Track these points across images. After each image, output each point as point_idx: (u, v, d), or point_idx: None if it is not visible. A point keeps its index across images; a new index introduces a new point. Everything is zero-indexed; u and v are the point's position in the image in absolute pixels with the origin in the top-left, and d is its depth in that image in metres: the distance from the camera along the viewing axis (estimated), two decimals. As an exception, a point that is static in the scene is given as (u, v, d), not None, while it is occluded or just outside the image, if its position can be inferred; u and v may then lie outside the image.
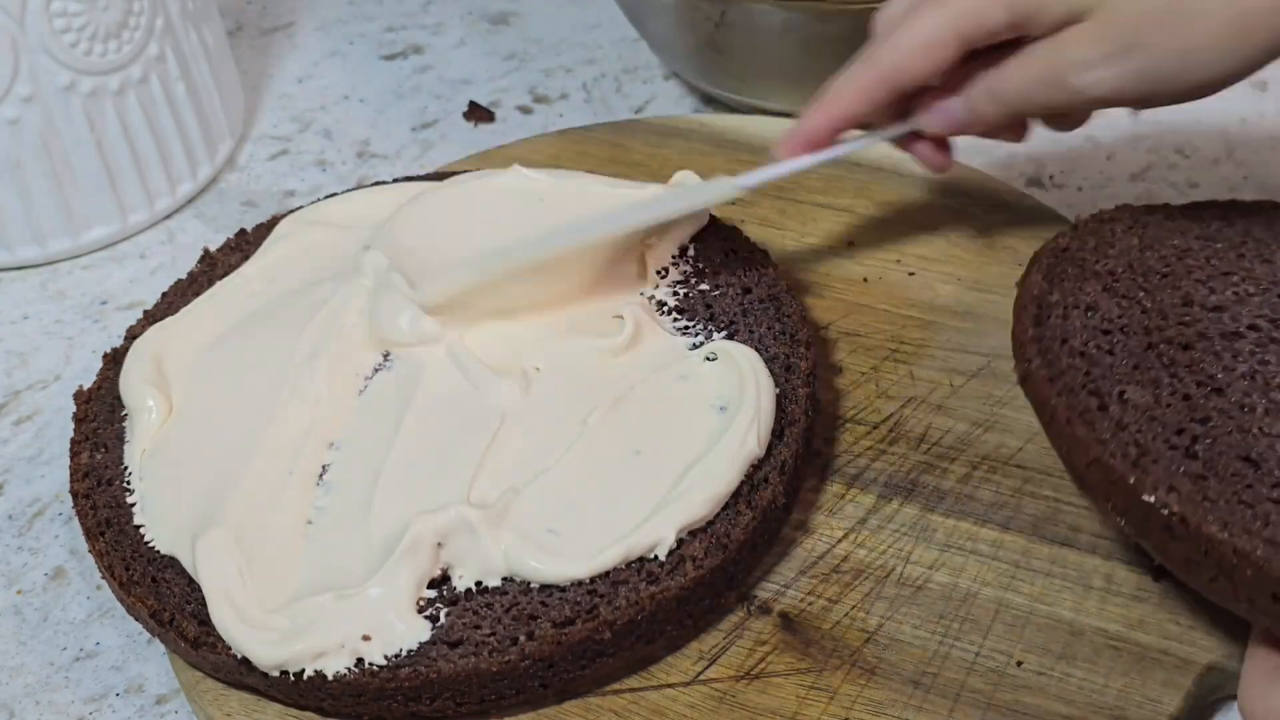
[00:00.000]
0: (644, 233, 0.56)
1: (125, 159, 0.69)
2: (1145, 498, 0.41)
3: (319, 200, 0.63)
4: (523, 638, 0.44)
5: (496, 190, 0.58)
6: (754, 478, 0.48)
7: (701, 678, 0.46)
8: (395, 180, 0.64)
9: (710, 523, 0.47)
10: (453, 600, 0.45)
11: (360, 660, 0.44)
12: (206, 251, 0.61)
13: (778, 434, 0.49)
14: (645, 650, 0.46)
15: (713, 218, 0.59)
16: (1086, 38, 0.48)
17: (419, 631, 0.44)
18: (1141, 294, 0.48)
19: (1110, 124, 0.72)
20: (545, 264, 0.53)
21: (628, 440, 0.49)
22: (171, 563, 0.48)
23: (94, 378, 0.56)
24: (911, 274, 0.61)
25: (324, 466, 0.49)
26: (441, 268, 0.53)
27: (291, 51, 0.86)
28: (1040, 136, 0.65)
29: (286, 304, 0.55)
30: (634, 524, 0.46)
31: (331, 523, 0.47)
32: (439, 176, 0.63)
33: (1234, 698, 0.44)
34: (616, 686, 0.46)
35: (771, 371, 0.51)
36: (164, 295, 0.59)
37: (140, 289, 0.68)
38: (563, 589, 0.45)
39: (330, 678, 0.43)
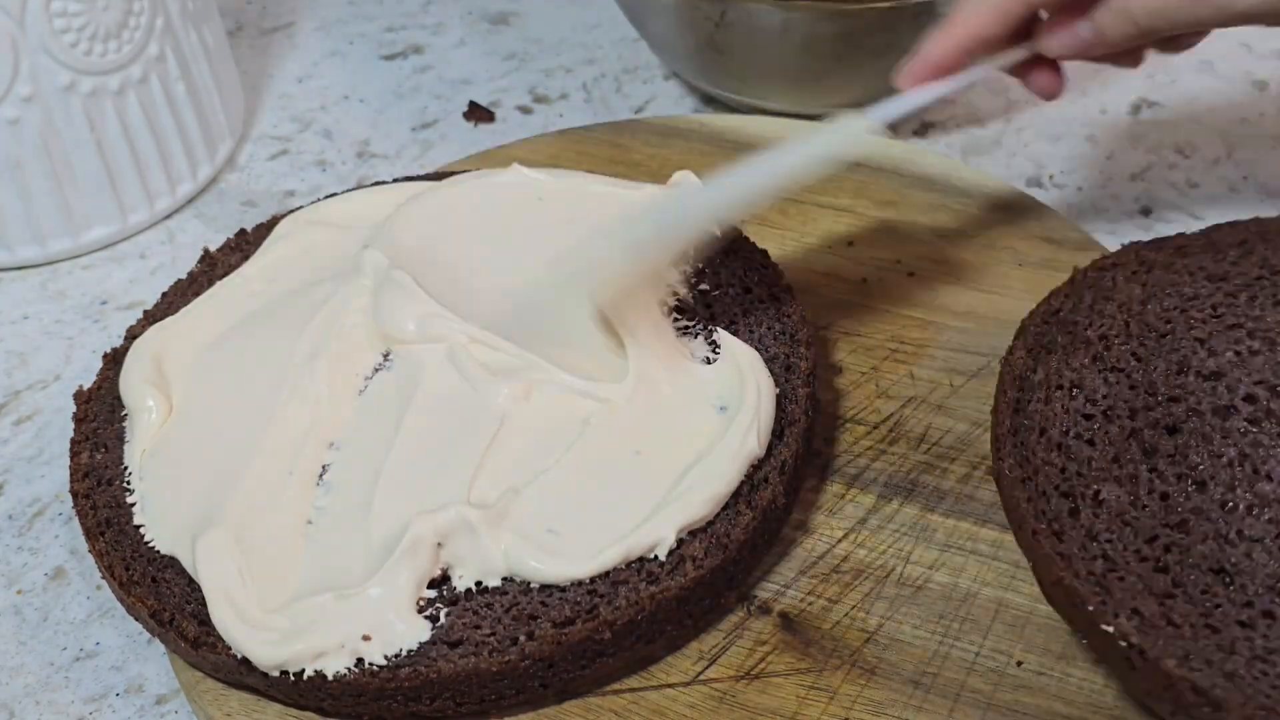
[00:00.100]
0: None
1: (125, 159, 0.69)
2: (1104, 627, 0.40)
3: (319, 200, 0.63)
4: (523, 638, 0.44)
5: (496, 189, 0.58)
6: (754, 478, 0.48)
7: (701, 678, 0.46)
8: (395, 180, 0.64)
9: (710, 523, 0.47)
10: (453, 600, 0.45)
11: (360, 660, 0.44)
12: (206, 251, 0.61)
13: (778, 434, 0.49)
14: (645, 650, 0.46)
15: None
16: None
17: (419, 631, 0.44)
18: (1134, 363, 0.46)
19: (1110, 124, 0.73)
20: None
21: (628, 440, 0.49)
22: (171, 563, 0.48)
23: (94, 378, 0.56)
24: (911, 274, 0.61)
25: (324, 466, 0.49)
26: (583, 253, 0.51)
27: (291, 51, 0.86)
28: (1040, 136, 0.66)
29: (286, 304, 0.55)
30: (634, 524, 0.46)
31: (331, 523, 0.47)
32: (439, 176, 0.63)
33: None
34: (616, 686, 0.46)
35: (771, 371, 0.51)
36: (164, 295, 0.59)
37: (140, 289, 0.68)
38: (563, 589, 0.45)
39: (330, 678, 0.43)
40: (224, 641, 0.44)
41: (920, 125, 0.74)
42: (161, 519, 0.49)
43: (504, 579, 0.45)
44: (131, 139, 0.68)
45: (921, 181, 0.65)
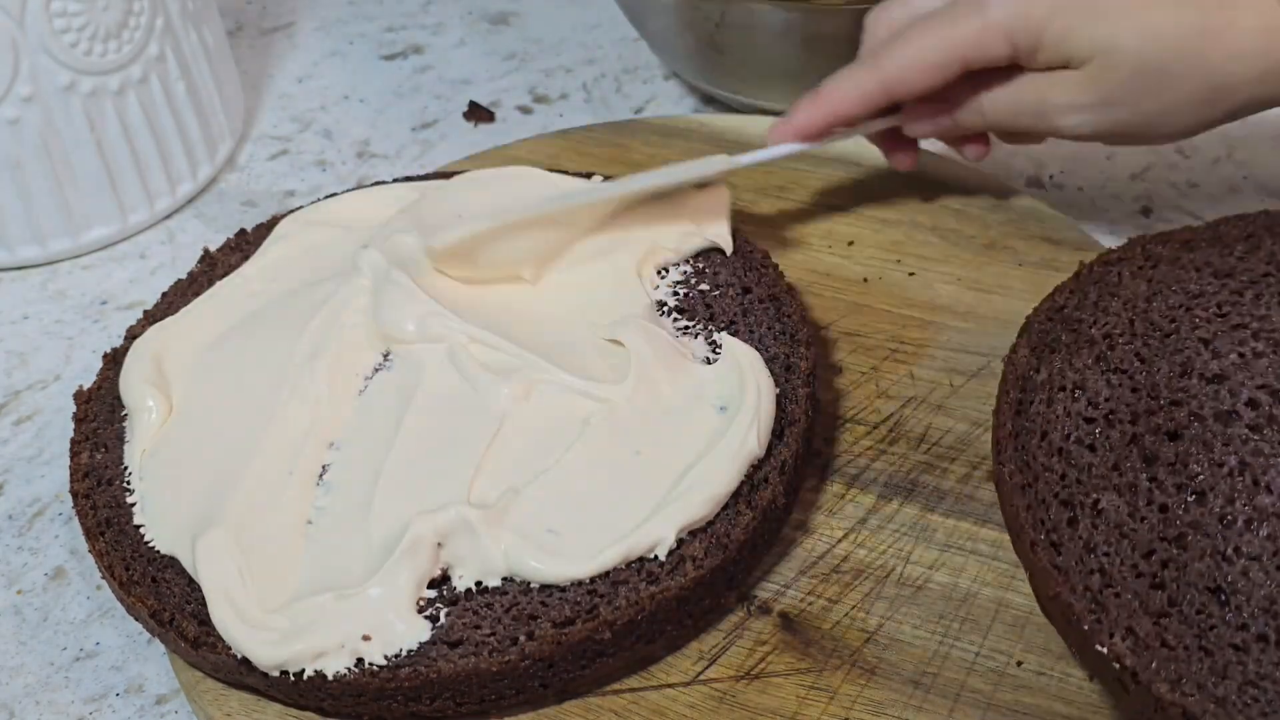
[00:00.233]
0: (641, 206, 0.58)
1: (125, 159, 0.69)
2: (1098, 648, 0.40)
3: (319, 200, 0.63)
4: (523, 638, 0.44)
5: (528, 182, 0.59)
6: (754, 478, 0.48)
7: (701, 678, 0.46)
8: (395, 180, 0.64)
9: (710, 523, 0.46)
10: (453, 600, 0.45)
11: (360, 660, 0.43)
12: (206, 251, 0.61)
13: (778, 434, 0.49)
14: (645, 650, 0.46)
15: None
16: (1076, 85, 0.53)
17: (419, 631, 0.44)
18: (1137, 364, 0.46)
19: (1110, 124, 0.72)
20: (548, 220, 0.55)
21: (628, 440, 0.49)
22: (171, 563, 0.48)
23: (94, 378, 0.56)
24: (911, 274, 0.61)
25: (324, 466, 0.49)
26: (452, 221, 0.54)
27: (291, 51, 0.86)
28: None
29: (286, 304, 0.55)
30: (634, 524, 0.46)
31: (331, 523, 0.47)
32: (439, 176, 0.63)
33: None
34: (616, 686, 0.46)
35: (771, 371, 0.51)
36: (164, 295, 0.59)
37: (140, 289, 0.68)
38: (563, 589, 0.45)
39: (330, 678, 0.43)
40: (224, 641, 0.44)
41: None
42: (161, 519, 0.49)
43: (504, 579, 0.45)
44: (131, 139, 0.68)
45: (921, 182, 0.65)
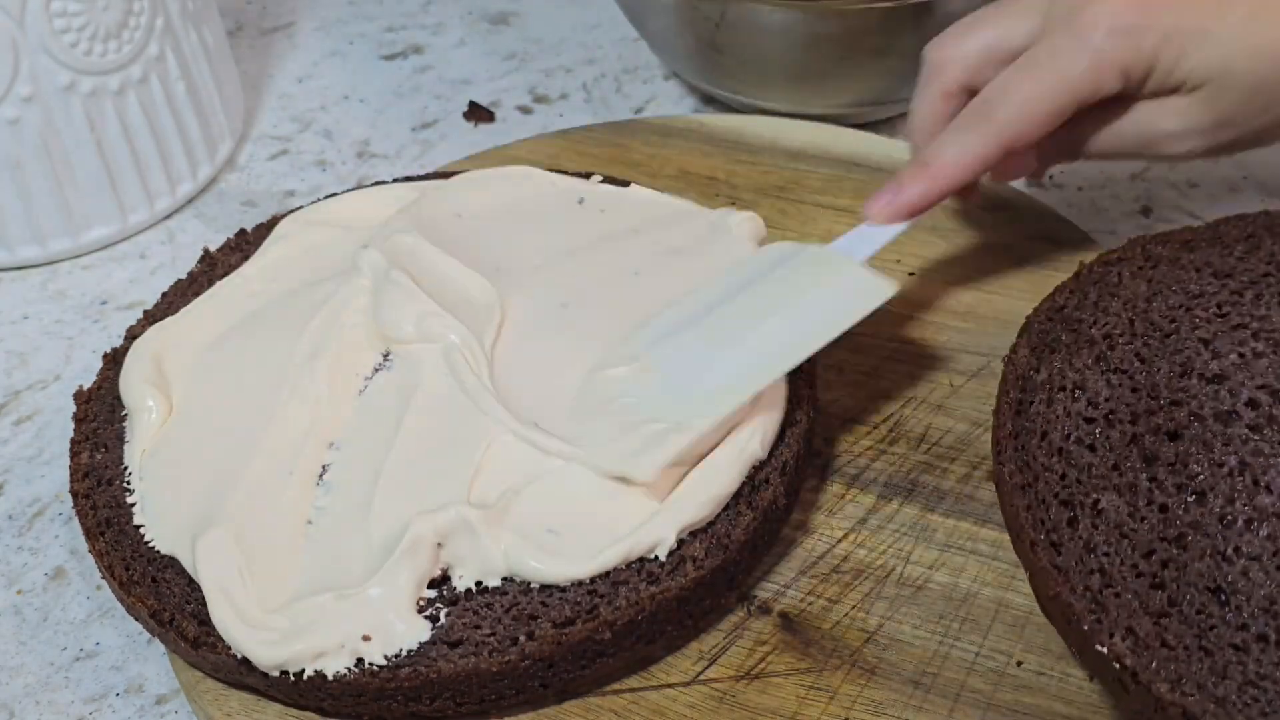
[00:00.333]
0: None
1: (125, 159, 0.69)
2: (1098, 648, 0.40)
3: (319, 200, 0.63)
4: (523, 638, 0.44)
5: (532, 186, 0.59)
6: (755, 478, 0.48)
7: (701, 678, 0.46)
8: (395, 180, 0.64)
9: (711, 523, 0.47)
10: (453, 600, 0.45)
11: (360, 660, 0.43)
12: (206, 251, 0.61)
13: (778, 435, 0.49)
14: (645, 650, 0.46)
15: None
16: (1190, 111, 0.52)
17: (419, 631, 0.44)
18: (1137, 364, 0.46)
19: (1110, 124, 0.72)
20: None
21: (628, 440, 0.48)
22: (171, 563, 0.48)
23: (94, 378, 0.56)
24: (911, 274, 0.61)
25: (324, 466, 0.49)
26: (635, 433, 0.48)
27: (291, 51, 0.86)
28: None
29: (286, 304, 0.55)
30: (634, 524, 0.46)
31: (331, 523, 0.47)
32: (439, 176, 0.63)
33: None
34: (616, 686, 0.46)
35: (772, 371, 0.51)
36: (164, 295, 0.59)
37: (140, 289, 0.68)
38: (563, 589, 0.45)
39: (330, 678, 0.43)
40: (224, 641, 0.44)
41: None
42: (161, 519, 0.49)
43: (504, 579, 0.45)
44: (131, 139, 0.68)
45: (921, 181, 0.65)
